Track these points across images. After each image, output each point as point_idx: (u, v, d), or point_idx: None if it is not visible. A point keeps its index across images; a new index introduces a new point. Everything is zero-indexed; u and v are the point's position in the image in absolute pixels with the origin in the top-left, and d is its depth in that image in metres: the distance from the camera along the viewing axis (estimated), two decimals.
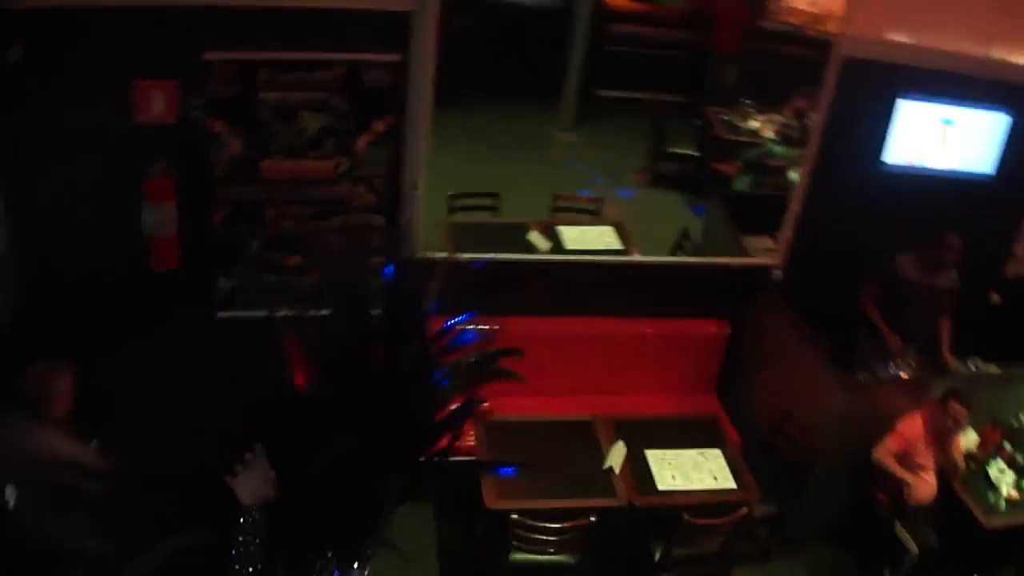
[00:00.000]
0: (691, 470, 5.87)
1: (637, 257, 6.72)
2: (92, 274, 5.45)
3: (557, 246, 6.67)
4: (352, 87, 5.90)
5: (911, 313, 6.98)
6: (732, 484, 5.84)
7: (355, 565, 2.92)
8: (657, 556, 5.71)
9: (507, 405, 5.98)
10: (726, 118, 8.90)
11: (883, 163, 6.84)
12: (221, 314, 6.12)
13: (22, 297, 5.57)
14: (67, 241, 5.52)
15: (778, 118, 8.78)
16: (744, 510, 5.59)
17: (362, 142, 6.15)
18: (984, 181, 7.02)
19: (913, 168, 6.95)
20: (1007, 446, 6.66)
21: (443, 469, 3.19)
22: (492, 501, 5.38)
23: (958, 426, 6.18)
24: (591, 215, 7.18)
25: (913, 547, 6.05)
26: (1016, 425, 6.80)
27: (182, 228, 5.73)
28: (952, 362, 7.13)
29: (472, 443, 5.83)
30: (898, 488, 6.18)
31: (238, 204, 6.17)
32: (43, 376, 4.66)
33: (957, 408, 6.06)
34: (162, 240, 5.69)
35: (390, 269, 3.33)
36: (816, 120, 6.57)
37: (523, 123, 9.12)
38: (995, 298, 7.52)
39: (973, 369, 7.24)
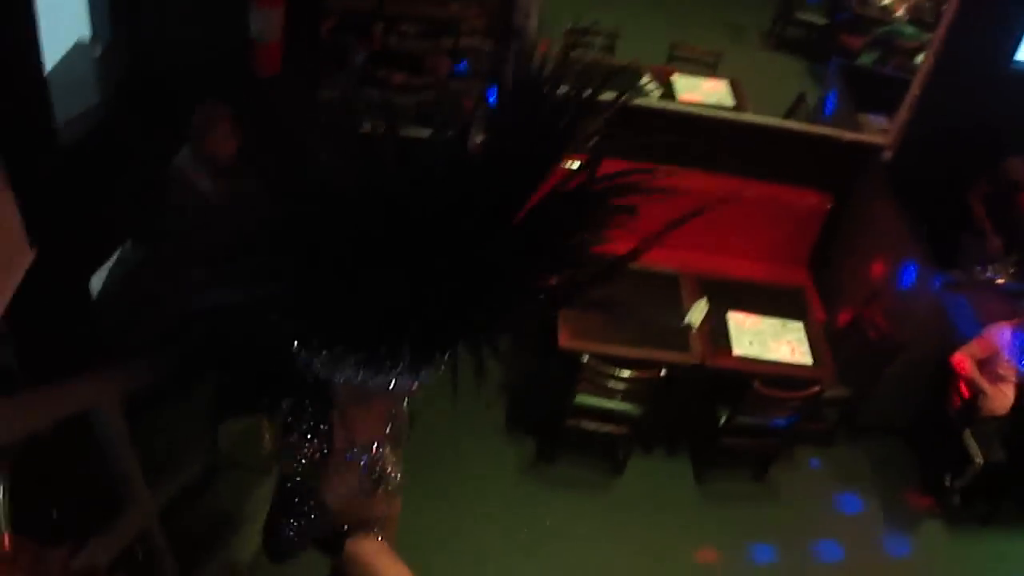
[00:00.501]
0: (770, 339, 5.81)
1: (749, 116, 6.57)
2: (195, 74, 5.47)
3: (669, 94, 6.53)
4: None
5: (1018, 218, 6.80)
6: (809, 360, 5.77)
7: (420, 374, 2.84)
8: (722, 420, 5.74)
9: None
10: None
11: (1015, 62, 6.53)
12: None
13: (123, 95, 5.62)
14: (171, 39, 5.55)
15: None
16: (816, 388, 5.54)
17: None
18: None
19: None
20: None
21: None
22: (566, 340, 5.41)
23: None
24: (707, 68, 7.02)
25: (978, 457, 5.98)
26: None
27: (288, 34, 5.68)
28: None
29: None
30: (973, 395, 6.10)
31: (347, 15, 6.13)
32: (205, 116, 4.92)
33: None
34: (267, 45, 5.65)
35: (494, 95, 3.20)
36: (950, 5, 6.26)
37: None
38: None
39: None
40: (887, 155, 6.72)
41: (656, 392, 5.45)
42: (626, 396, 5.45)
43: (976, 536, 6.20)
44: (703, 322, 5.76)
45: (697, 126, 6.39)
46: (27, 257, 3.98)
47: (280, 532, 2.92)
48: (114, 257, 5.74)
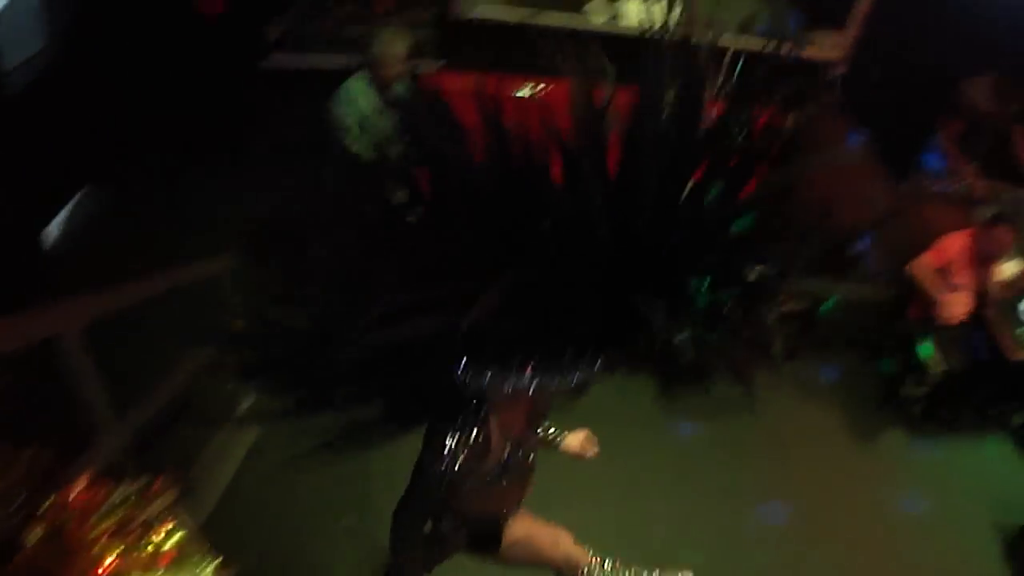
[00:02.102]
0: None
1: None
2: (134, 17, 5.44)
3: (616, 20, 6.60)
4: None
5: (983, 147, 7.07)
6: None
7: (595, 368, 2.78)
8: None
9: None
10: None
11: None
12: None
13: (61, 41, 5.59)
14: None
15: None
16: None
17: None
18: None
19: None
20: None
21: None
22: None
23: (1002, 252, 6.24)
24: None
25: (938, 366, 6.22)
26: None
27: None
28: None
29: None
30: (930, 304, 6.28)
31: None
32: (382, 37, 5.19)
33: (1004, 233, 6.12)
34: None
35: None
36: None
37: None
38: None
39: None
40: (839, 70, 6.86)
41: None
42: None
43: (937, 444, 6.46)
44: None
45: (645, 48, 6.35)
46: None
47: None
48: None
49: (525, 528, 3.87)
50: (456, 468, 3.13)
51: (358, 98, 5.20)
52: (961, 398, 6.38)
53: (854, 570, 5.48)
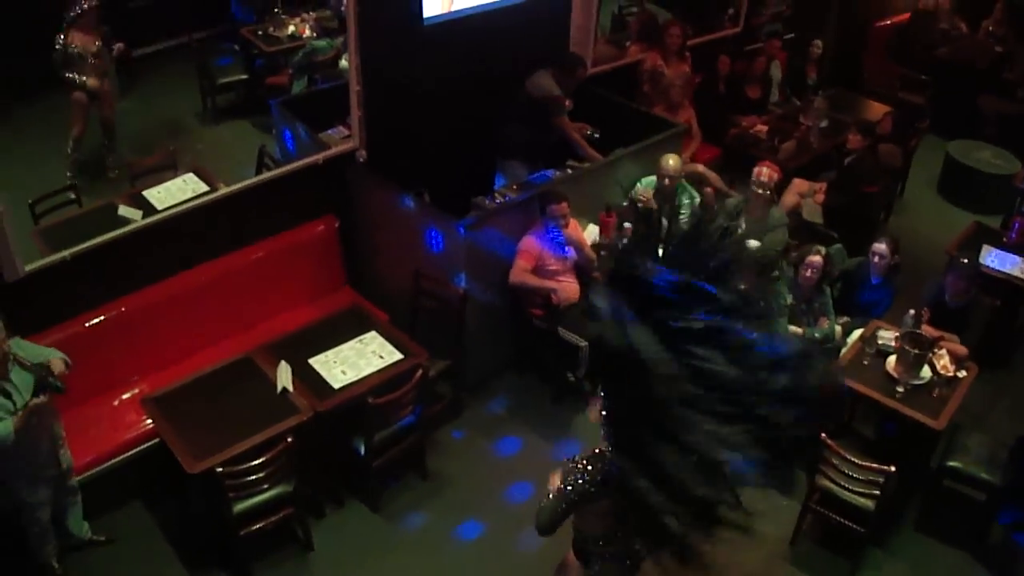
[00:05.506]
0: (357, 359, 6.42)
1: (224, 190, 6.99)
2: None
3: (151, 210, 6.78)
4: None
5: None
6: (398, 355, 6.45)
7: None
8: (363, 449, 6.31)
9: (166, 377, 6.45)
10: (262, 33, 9.20)
11: (423, 19, 7.56)
12: None
13: None
14: None
15: (311, 15, 9.18)
16: (418, 372, 6.24)
17: None
18: (522, 5, 8.20)
19: (452, 15, 7.76)
20: (626, 224, 7.70)
21: None
22: (193, 467, 5.58)
23: (564, 221, 7.08)
24: (169, 170, 7.33)
25: (580, 341, 6.98)
26: (625, 204, 7.85)
27: None
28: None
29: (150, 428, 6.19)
30: (545, 298, 7.13)
31: None
32: None
33: (555, 208, 6.99)
34: None
35: None
36: (349, 6, 7.00)
37: None
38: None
39: (568, 172, 8.24)
40: (362, 154, 7.49)
41: (295, 460, 5.80)
42: (272, 480, 5.76)
43: None
44: (294, 380, 6.20)
45: (187, 222, 6.76)
46: None
47: None
48: None
49: None
50: None
51: None
52: None
53: None
